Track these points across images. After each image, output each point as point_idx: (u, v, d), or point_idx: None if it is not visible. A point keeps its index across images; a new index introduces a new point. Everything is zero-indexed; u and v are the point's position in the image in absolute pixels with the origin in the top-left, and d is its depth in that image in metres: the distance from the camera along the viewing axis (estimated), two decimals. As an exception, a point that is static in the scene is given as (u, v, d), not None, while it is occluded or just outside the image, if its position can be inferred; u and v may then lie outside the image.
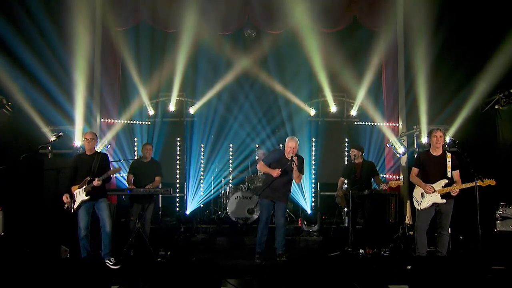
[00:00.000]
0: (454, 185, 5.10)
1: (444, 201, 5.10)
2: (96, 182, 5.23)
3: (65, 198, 5.35)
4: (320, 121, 8.74)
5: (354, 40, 8.37)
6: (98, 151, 5.74)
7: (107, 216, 5.36)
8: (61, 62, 7.20)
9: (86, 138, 5.43)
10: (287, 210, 7.88)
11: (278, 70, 8.48)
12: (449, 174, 5.13)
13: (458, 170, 5.21)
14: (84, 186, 5.29)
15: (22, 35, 6.97)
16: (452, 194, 5.08)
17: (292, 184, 5.87)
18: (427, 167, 5.25)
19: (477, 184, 4.99)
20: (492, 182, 5.03)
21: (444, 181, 5.12)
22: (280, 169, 5.42)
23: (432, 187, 5.12)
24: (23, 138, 6.88)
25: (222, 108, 8.60)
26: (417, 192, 5.30)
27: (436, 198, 5.13)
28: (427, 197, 5.16)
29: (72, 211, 5.35)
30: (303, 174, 5.69)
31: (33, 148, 5.82)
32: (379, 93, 8.42)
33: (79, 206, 5.32)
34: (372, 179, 6.49)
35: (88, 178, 5.31)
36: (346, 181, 6.58)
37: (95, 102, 7.77)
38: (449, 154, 5.21)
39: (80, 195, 5.32)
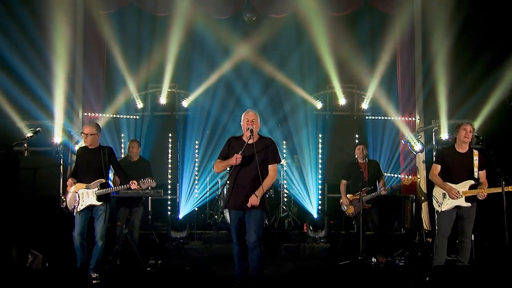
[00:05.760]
0: (480, 187, 5.00)
1: (468, 204, 5.00)
2: (136, 186, 5.12)
3: (71, 181, 5.12)
4: (328, 115, 8.67)
5: (365, 25, 8.33)
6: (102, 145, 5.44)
7: (101, 228, 5.12)
8: (38, 50, 7.13)
9: (84, 133, 5.18)
10: (291, 214, 7.84)
11: (280, 59, 8.39)
12: (475, 175, 5.04)
13: (484, 170, 5.11)
14: (96, 189, 5.10)
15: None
16: (479, 198, 4.97)
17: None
18: (451, 164, 5.15)
19: (504, 187, 4.84)
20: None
21: (470, 182, 5.03)
22: (240, 153, 4.41)
23: (458, 192, 5.01)
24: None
25: (219, 100, 8.50)
26: (438, 191, 5.20)
27: (460, 200, 5.02)
28: (450, 198, 5.06)
29: (75, 213, 5.14)
30: (277, 162, 4.67)
31: (7, 145, 5.71)
32: (394, 84, 8.35)
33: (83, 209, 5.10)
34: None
35: (103, 180, 5.15)
36: (349, 184, 6.46)
37: (76, 94, 7.72)
38: (475, 152, 5.11)
39: (88, 197, 5.11)
